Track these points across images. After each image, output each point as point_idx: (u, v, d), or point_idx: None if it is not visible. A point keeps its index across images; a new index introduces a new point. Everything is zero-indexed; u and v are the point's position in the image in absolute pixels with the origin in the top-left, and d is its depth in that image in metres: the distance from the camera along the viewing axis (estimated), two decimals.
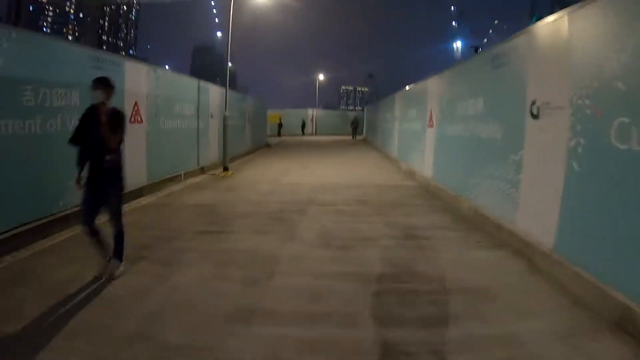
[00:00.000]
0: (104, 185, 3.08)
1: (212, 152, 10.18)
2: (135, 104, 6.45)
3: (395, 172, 10.27)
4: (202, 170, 9.52)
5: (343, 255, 3.83)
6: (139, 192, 6.51)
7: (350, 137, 26.56)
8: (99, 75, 3.21)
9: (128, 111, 6.20)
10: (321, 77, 42.32)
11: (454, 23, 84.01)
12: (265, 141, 19.38)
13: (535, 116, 3.79)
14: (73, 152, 3.08)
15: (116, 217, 3.16)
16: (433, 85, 7.98)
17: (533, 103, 3.83)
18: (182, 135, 8.40)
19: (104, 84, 3.04)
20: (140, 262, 3.51)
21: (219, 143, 10.51)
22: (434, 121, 7.67)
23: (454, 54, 67.03)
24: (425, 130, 8.26)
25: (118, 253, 3.21)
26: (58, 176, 4.40)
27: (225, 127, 9.79)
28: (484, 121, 5.15)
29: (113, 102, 3.18)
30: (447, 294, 2.96)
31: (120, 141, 3.12)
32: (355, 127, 25.82)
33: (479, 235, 4.55)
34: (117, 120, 3.07)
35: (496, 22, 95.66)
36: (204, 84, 9.73)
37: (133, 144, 6.21)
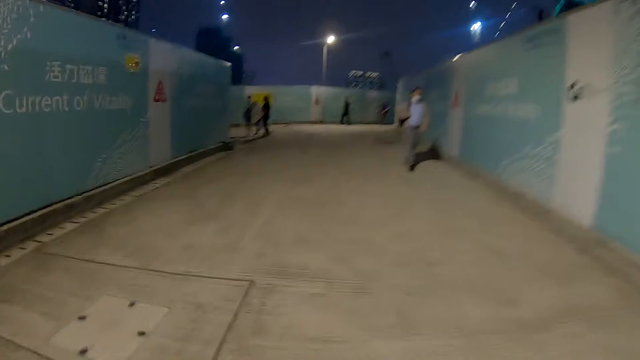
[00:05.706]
0: None
1: None
2: None
3: None
4: None
5: None
6: None
7: (379, 129, 16.70)
8: None
9: None
10: (330, 40, 32.67)
11: (473, 2, 79.27)
12: (224, 139, 11.46)
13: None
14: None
15: None
16: None
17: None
18: None
19: None
20: None
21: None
22: None
23: (471, 36, 62.27)
24: None
25: None
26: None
27: None
28: None
29: None
30: None
31: None
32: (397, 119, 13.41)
33: None
34: None
35: (514, 4, 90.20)
36: None
37: None
